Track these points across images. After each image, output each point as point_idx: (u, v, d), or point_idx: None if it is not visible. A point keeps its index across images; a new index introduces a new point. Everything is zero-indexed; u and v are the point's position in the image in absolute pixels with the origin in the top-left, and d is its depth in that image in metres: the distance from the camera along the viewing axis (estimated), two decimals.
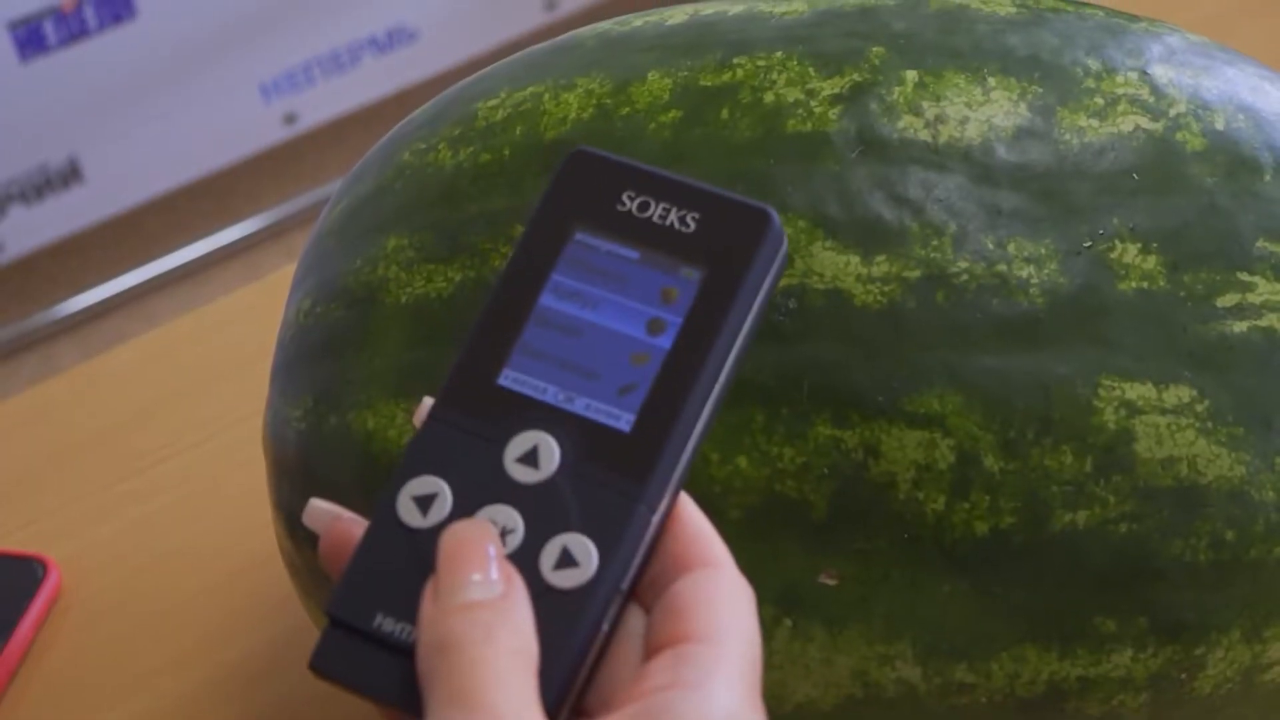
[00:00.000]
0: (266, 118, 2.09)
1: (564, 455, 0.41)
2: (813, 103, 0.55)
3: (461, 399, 0.42)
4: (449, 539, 0.40)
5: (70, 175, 1.97)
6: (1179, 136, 0.55)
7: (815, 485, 0.51)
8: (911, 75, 0.55)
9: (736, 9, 0.60)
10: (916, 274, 0.52)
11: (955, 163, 0.53)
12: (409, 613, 0.40)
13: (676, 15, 0.60)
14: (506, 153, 0.57)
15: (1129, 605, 0.52)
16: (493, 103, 0.59)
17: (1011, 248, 0.52)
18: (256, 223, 2.16)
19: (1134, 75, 0.56)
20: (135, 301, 2.11)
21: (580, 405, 0.41)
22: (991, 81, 0.55)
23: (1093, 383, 0.51)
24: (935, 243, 0.52)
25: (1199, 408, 0.52)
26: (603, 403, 0.41)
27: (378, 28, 2.13)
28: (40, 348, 2.06)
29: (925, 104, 0.54)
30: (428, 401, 0.42)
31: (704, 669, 0.38)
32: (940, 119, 0.54)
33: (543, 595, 0.40)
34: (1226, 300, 0.53)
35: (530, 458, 0.41)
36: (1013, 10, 0.58)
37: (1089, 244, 0.53)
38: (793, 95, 0.55)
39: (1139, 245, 0.53)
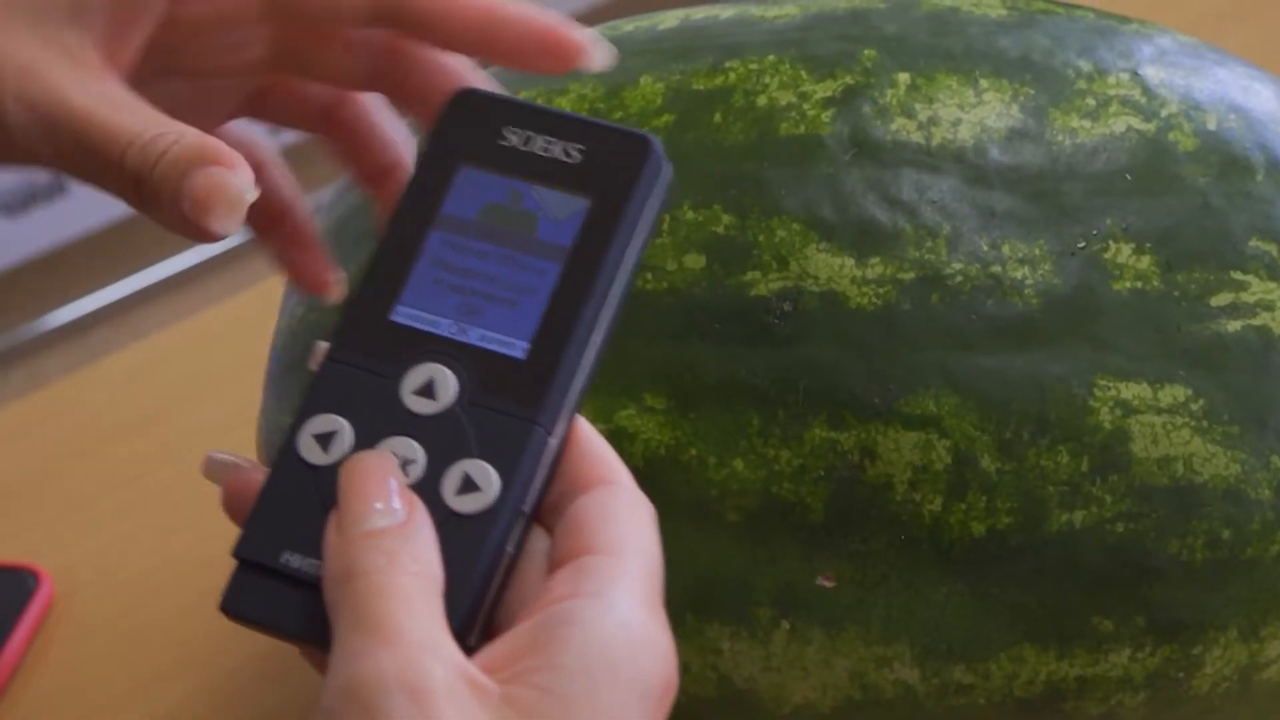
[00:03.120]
0: (253, 129, 2.09)
1: (461, 385, 0.42)
2: (805, 106, 0.55)
3: (357, 338, 0.43)
4: (349, 470, 0.40)
5: (55, 188, 1.97)
6: (1171, 137, 0.55)
7: (812, 487, 0.51)
8: (904, 78, 0.55)
9: (728, 13, 0.60)
10: (911, 276, 0.52)
11: (948, 164, 0.53)
12: (315, 548, 0.41)
13: (668, 20, 0.60)
14: None
15: (1126, 605, 0.52)
16: None
17: (1006, 249, 0.52)
18: (241, 234, 2.16)
19: (1125, 76, 0.56)
20: (121, 314, 2.11)
21: (474, 336, 0.42)
22: (983, 83, 0.55)
23: (1088, 383, 0.51)
24: (929, 244, 0.52)
25: (1194, 407, 0.52)
26: (496, 332, 0.42)
27: None
28: (26, 361, 2.05)
29: (918, 106, 0.54)
30: (323, 345, 0.43)
31: (604, 579, 0.38)
32: (933, 121, 0.54)
33: (446, 521, 0.40)
34: (1220, 299, 0.53)
35: (427, 390, 0.42)
36: (1003, 12, 0.58)
37: (1083, 244, 0.53)
38: (785, 98, 0.55)
39: (1133, 245, 0.53)
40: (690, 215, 0.54)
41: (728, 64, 0.56)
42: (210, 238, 0.41)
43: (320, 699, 0.37)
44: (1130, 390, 0.52)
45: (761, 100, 0.55)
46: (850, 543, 0.52)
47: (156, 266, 2.14)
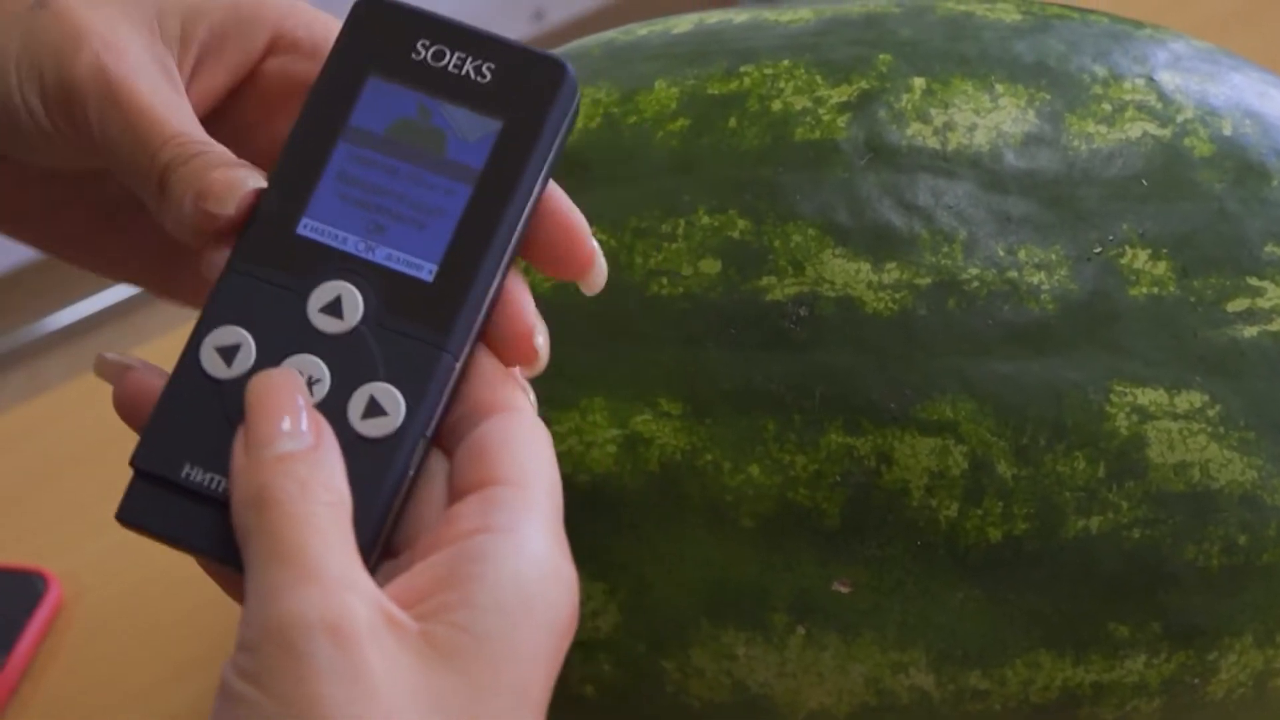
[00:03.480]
0: None
1: (367, 305, 0.41)
2: (821, 110, 0.55)
3: (261, 250, 0.42)
4: (257, 388, 0.40)
5: None
6: (1187, 142, 0.55)
7: (828, 493, 0.51)
8: (919, 82, 0.55)
9: (741, 18, 0.60)
10: (927, 281, 0.52)
11: (964, 169, 0.53)
12: (218, 463, 0.40)
13: (682, 24, 0.60)
14: None
15: (1142, 611, 0.52)
16: None
17: (1022, 254, 0.52)
18: None
19: (1141, 81, 0.56)
20: (123, 317, 2.11)
21: (381, 255, 0.42)
22: (999, 88, 0.55)
23: (1104, 388, 0.51)
24: (945, 250, 0.52)
25: (1210, 412, 0.52)
26: (404, 253, 0.42)
27: None
28: (27, 363, 2.05)
29: (933, 111, 0.54)
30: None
31: (514, 512, 0.39)
32: (948, 126, 0.54)
33: (352, 444, 0.40)
34: (1236, 305, 0.53)
35: (334, 308, 0.41)
36: (1018, 17, 0.58)
37: (1099, 250, 0.53)
38: (800, 103, 0.55)
39: (1149, 251, 0.53)
40: (705, 220, 0.53)
41: (742, 69, 0.56)
42: (205, 225, 0.41)
43: (240, 631, 0.37)
44: (1146, 396, 0.52)
45: (776, 105, 0.55)
46: (866, 548, 0.52)
47: None
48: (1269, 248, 0.54)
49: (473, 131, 0.42)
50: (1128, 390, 0.51)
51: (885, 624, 0.52)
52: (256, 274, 0.42)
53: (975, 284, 0.52)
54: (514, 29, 2.24)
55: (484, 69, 0.43)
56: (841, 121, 0.54)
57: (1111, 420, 0.51)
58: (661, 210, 0.54)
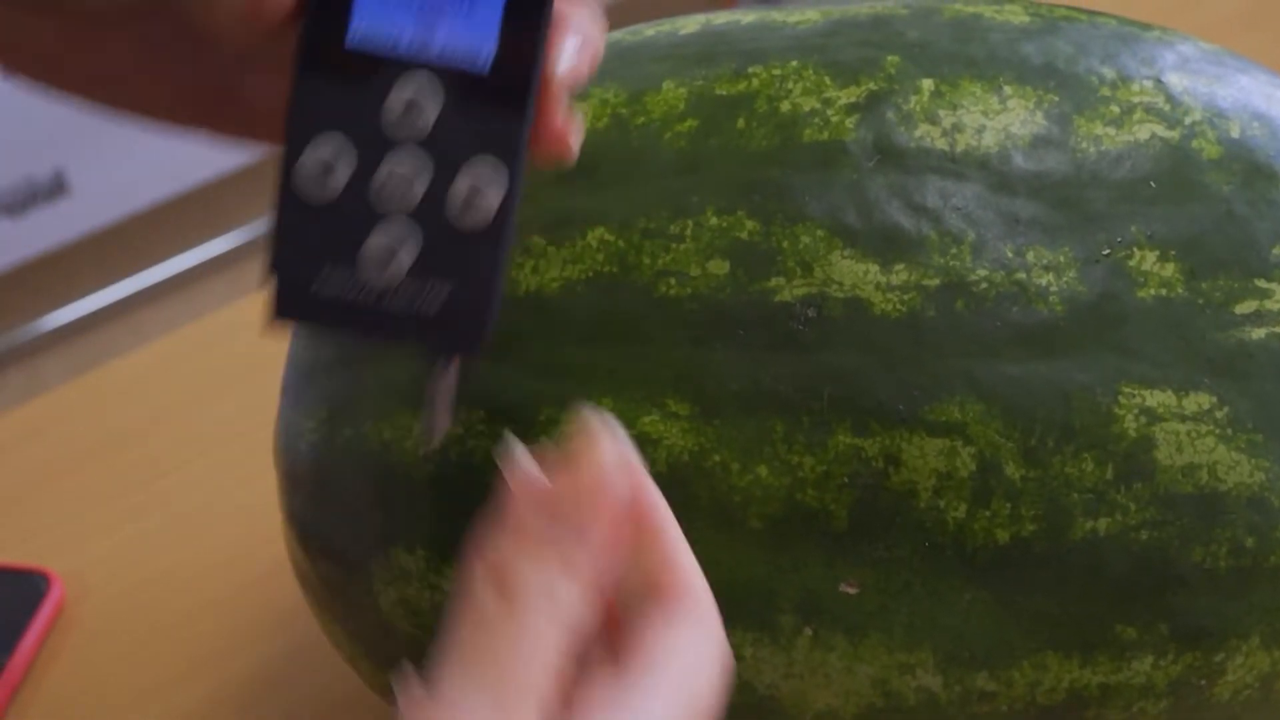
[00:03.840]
0: None
1: (438, 99, 0.43)
2: (829, 112, 0.55)
3: (323, 64, 0.43)
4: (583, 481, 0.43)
5: (56, 188, 1.97)
6: (1195, 144, 0.55)
7: (836, 494, 0.51)
8: (928, 84, 0.55)
9: (749, 19, 0.60)
10: (936, 282, 0.52)
11: (973, 171, 0.53)
12: (347, 267, 0.44)
13: (689, 25, 0.60)
14: None
15: (1150, 612, 0.52)
16: None
17: (1030, 256, 0.52)
18: (243, 234, 2.16)
19: (1149, 83, 0.56)
20: (122, 315, 2.11)
21: (438, 50, 0.43)
22: (1007, 90, 0.55)
23: (1113, 390, 0.51)
24: (954, 251, 0.52)
25: (1218, 414, 0.52)
26: (458, 43, 0.43)
27: None
28: (26, 361, 2.05)
29: (942, 112, 0.54)
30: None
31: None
32: (957, 127, 0.54)
33: (452, 236, 0.43)
34: (1245, 307, 0.53)
35: (409, 108, 0.43)
36: (1026, 19, 0.58)
37: (1107, 252, 0.53)
38: (809, 104, 0.55)
39: (1157, 253, 0.53)
40: (714, 221, 0.53)
41: (750, 69, 0.56)
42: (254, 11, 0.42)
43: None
44: (1155, 398, 0.52)
45: (785, 106, 0.55)
46: (874, 550, 0.52)
47: (155, 268, 2.13)
48: (1277, 250, 0.54)
49: None
50: (1136, 392, 0.52)
51: (892, 625, 0.52)
52: (324, 89, 0.43)
53: (984, 285, 0.52)
54: None
55: None
56: (850, 123, 0.54)
57: (1120, 422, 0.51)
58: (670, 211, 0.54)
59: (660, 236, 0.54)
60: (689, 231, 0.54)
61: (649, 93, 0.57)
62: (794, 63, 0.56)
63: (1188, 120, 0.55)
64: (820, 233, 0.53)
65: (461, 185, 0.43)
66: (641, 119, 0.56)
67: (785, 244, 0.53)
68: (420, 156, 0.43)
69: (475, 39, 0.43)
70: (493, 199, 0.43)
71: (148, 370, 0.87)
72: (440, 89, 0.43)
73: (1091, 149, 0.54)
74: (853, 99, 0.55)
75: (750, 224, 0.53)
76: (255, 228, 2.15)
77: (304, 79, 0.43)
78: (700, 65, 0.57)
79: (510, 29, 0.43)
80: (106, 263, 2.15)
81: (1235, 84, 0.57)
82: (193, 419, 0.84)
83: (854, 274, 0.52)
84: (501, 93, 0.43)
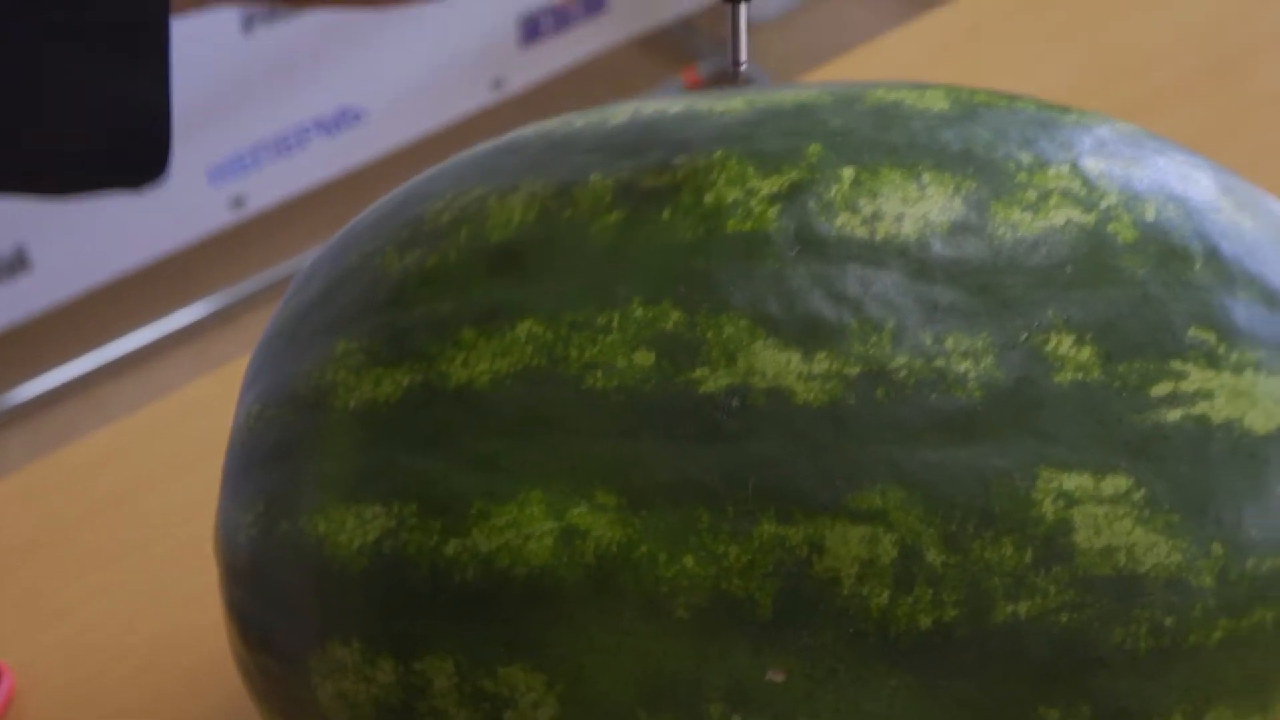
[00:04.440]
0: (214, 202, 2.09)
1: None
2: (752, 202, 0.56)
3: None
4: None
5: (17, 263, 1.97)
6: (1111, 228, 0.56)
7: (761, 583, 0.52)
8: (848, 173, 0.56)
9: (676, 108, 0.61)
10: (856, 370, 0.53)
11: (892, 259, 0.54)
12: None
13: (618, 115, 0.61)
14: (452, 256, 0.58)
15: (1072, 694, 0.52)
16: (439, 205, 0.60)
17: (949, 342, 0.53)
18: (206, 306, 2.16)
19: (1065, 168, 0.57)
20: (86, 390, 2.11)
21: None
22: (926, 177, 0.56)
23: (1031, 475, 0.52)
24: (874, 339, 0.53)
25: (1136, 496, 0.53)
26: None
27: (324, 109, 2.14)
28: None
29: (862, 201, 0.55)
30: None
31: None
32: (877, 216, 0.55)
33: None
34: (1160, 389, 0.54)
35: None
36: (946, 105, 0.59)
37: (1025, 337, 0.54)
38: (732, 195, 0.56)
39: (1074, 337, 0.54)
40: (640, 312, 0.54)
41: (676, 161, 0.57)
42: None
43: None
44: (1072, 481, 0.52)
45: (709, 197, 0.56)
46: (799, 637, 0.52)
47: (118, 342, 2.14)
48: (1192, 331, 0.55)
49: None
50: (1054, 476, 0.52)
51: (819, 712, 0.53)
52: None
53: (903, 373, 0.53)
54: (474, 97, 2.26)
55: None
56: (772, 213, 0.55)
57: (1038, 506, 0.52)
58: (597, 302, 0.55)
59: (587, 328, 0.55)
60: (615, 323, 0.54)
61: (577, 185, 0.58)
62: (718, 153, 0.57)
63: (1103, 204, 0.56)
64: (743, 323, 0.54)
65: None
66: (569, 211, 0.57)
67: (709, 334, 0.54)
68: None
69: None
70: None
71: (99, 455, 0.88)
72: None
73: (1008, 235, 0.55)
74: (775, 189, 0.56)
75: (675, 315, 0.54)
76: (218, 299, 2.16)
77: None
78: (627, 157, 0.58)
79: None
80: (70, 338, 2.15)
81: (1152, 166, 0.58)
82: (145, 503, 0.85)
83: (776, 364, 0.53)
84: None
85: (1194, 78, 1.04)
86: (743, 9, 0.54)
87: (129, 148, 0.52)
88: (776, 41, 2.64)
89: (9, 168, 0.51)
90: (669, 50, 2.59)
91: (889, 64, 1.08)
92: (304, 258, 2.17)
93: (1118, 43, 1.07)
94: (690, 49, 2.55)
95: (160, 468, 0.87)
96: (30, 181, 0.52)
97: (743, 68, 0.57)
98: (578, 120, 0.62)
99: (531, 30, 2.29)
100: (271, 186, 2.12)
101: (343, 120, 2.15)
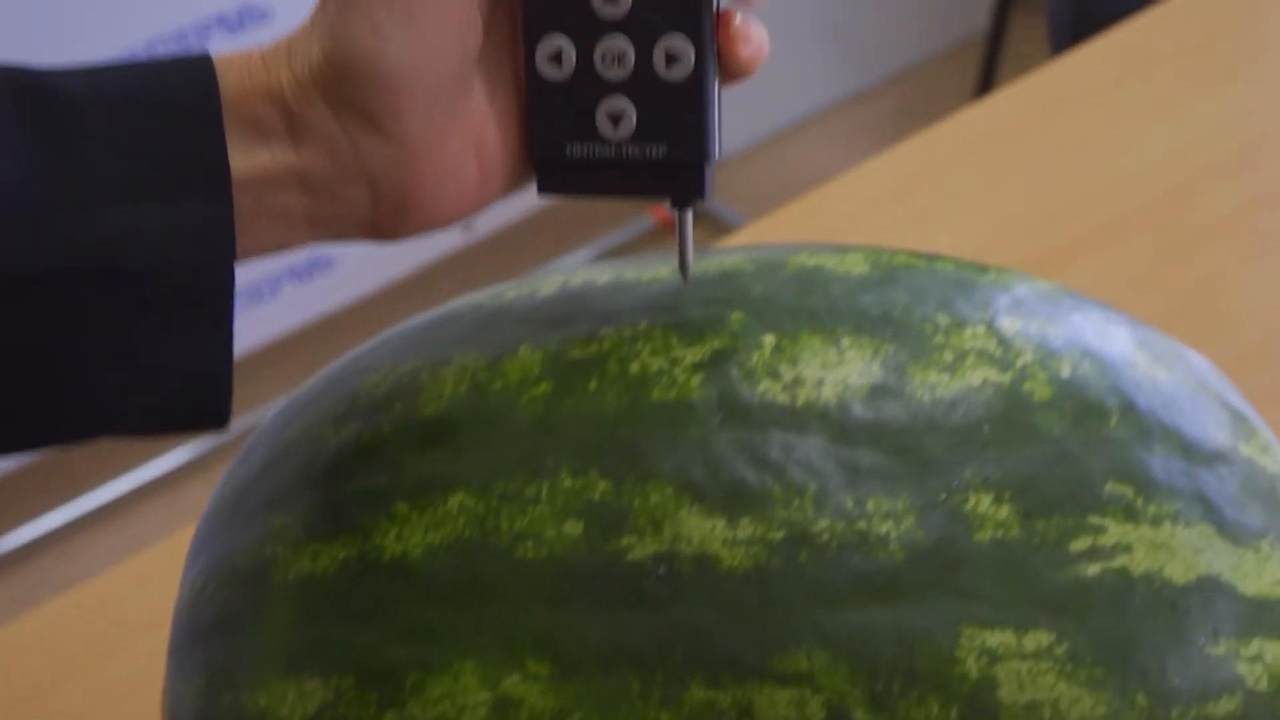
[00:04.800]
0: None
1: None
2: (676, 371, 0.57)
3: None
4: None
5: None
6: (1026, 386, 0.57)
7: None
8: (769, 339, 0.57)
9: (604, 278, 0.62)
10: (780, 535, 0.54)
11: (814, 423, 0.56)
12: (590, 134, 0.55)
13: (548, 286, 0.63)
14: (387, 430, 0.59)
15: None
16: (374, 379, 0.61)
17: (870, 504, 0.54)
18: (181, 455, 2.17)
19: (982, 328, 0.58)
20: (60, 542, 2.11)
21: None
22: (845, 342, 0.57)
23: (953, 633, 0.53)
24: (797, 503, 0.54)
25: (1058, 651, 0.54)
26: None
27: (296, 257, 2.16)
28: None
29: (783, 367, 0.57)
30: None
31: None
32: (797, 381, 0.56)
33: (667, 90, 0.55)
34: (1079, 544, 0.55)
35: None
36: (866, 269, 0.61)
37: (944, 496, 0.55)
38: (657, 364, 0.57)
39: (992, 495, 0.55)
40: (568, 483, 0.55)
41: (602, 331, 0.59)
42: None
43: None
44: (995, 638, 0.53)
45: (634, 366, 0.57)
46: None
47: (96, 492, 2.14)
48: (1109, 486, 0.56)
49: None
50: (976, 633, 0.53)
51: None
52: None
53: (826, 536, 0.54)
54: (444, 242, 2.28)
55: None
56: (696, 381, 0.57)
57: (962, 664, 0.53)
58: (526, 474, 0.56)
59: (517, 499, 0.56)
60: (544, 494, 0.56)
61: (506, 358, 0.59)
62: (643, 323, 0.59)
63: (1019, 363, 0.58)
64: (669, 490, 0.55)
65: (659, 53, 0.54)
66: (499, 383, 0.58)
67: (636, 503, 0.55)
68: (624, 36, 0.54)
69: None
70: (688, 60, 0.54)
71: (47, 628, 0.88)
72: None
73: (926, 396, 0.56)
74: (698, 358, 0.57)
75: (602, 484, 0.55)
76: (192, 449, 2.16)
77: None
78: (555, 328, 0.60)
79: None
80: (45, 491, 2.15)
81: (1068, 323, 0.60)
82: (114, 666, 0.85)
83: (702, 530, 0.54)
84: None
85: (1149, 208, 1.06)
86: (689, 216, 0.57)
87: (190, 406, 0.54)
88: (746, 175, 2.68)
89: (69, 423, 0.53)
90: None
91: (855, 197, 1.10)
92: (277, 404, 2.18)
93: (1072, 178, 1.09)
94: None
95: (107, 641, 0.87)
96: (87, 434, 0.54)
97: (689, 270, 0.59)
98: (509, 291, 0.63)
99: None
100: (245, 334, 2.14)
101: (314, 268, 2.17)
